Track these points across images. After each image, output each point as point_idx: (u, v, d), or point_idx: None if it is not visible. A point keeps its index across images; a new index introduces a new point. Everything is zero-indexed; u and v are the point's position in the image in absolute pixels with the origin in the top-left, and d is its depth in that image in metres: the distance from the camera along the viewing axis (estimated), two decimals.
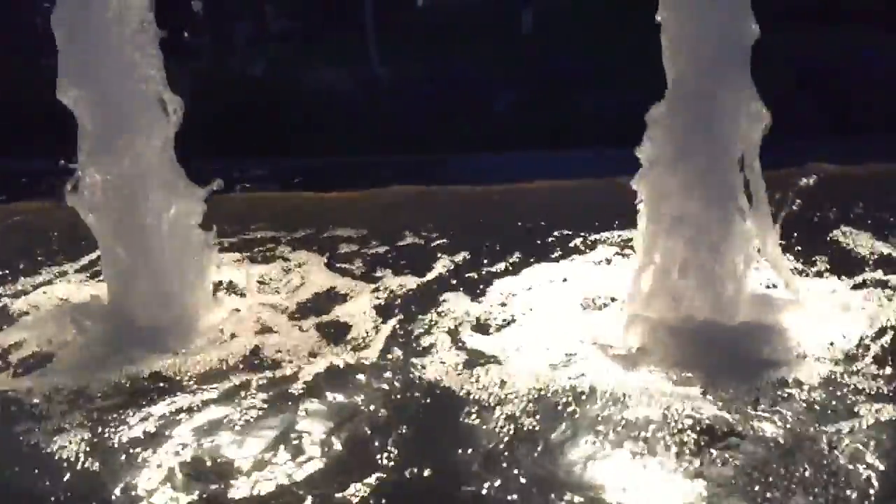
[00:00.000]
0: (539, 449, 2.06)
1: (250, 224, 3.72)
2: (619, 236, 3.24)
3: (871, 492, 1.82)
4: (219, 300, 2.92)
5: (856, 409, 2.12)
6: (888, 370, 2.30)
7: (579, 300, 2.83)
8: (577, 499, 1.88)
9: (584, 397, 2.25)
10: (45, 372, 2.55)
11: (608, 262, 3.13)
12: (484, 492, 1.92)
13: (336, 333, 2.72)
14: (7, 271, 3.31)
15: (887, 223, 3.27)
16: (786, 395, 2.21)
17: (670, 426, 2.10)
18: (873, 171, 3.91)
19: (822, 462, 1.93)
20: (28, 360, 2.65)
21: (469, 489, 1.93)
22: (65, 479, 2.04)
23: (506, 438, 2.10)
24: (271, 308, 2.92)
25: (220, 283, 3.07)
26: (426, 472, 1.99)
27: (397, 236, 3.50)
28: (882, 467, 1.89)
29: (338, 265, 3.27)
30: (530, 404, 2.23)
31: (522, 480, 1.95)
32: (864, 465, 1.90)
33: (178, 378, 2.48)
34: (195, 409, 2.31)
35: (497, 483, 1.94)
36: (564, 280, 3.00)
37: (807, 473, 1.89)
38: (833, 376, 2.28)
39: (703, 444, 2.03)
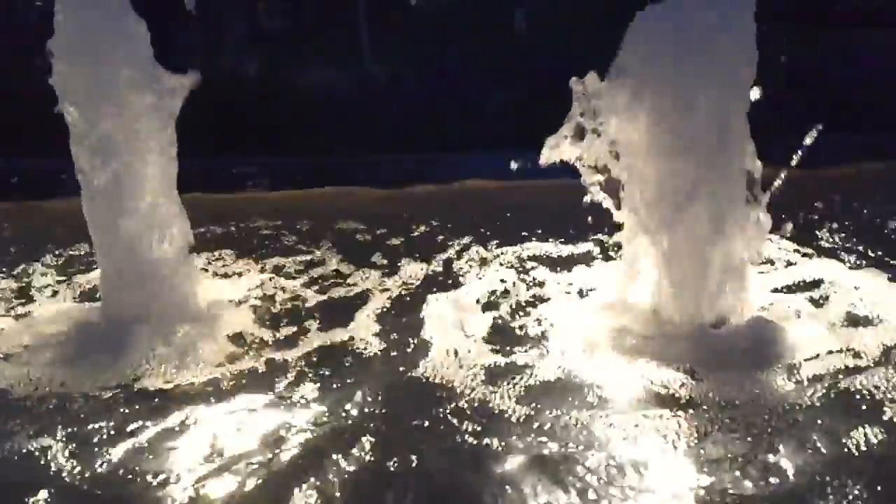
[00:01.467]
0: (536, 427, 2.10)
1: (251, 222, 3.75)
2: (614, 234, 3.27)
3: None
4: (220, 296, 2.93)
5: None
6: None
7: (576, 296, 2.87)
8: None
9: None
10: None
11: (603, 259, 3.16)
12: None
13: (336, 329, 2.74)
14: None
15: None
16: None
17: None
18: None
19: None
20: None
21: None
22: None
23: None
24: (271, 301, 2.95)
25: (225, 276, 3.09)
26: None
27: (393, 234, 3.52)
28: None
29: (336, 263, 3.29)
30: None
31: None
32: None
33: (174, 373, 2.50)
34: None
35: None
36: (563, 276, 3.03)
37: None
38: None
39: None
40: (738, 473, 1.90)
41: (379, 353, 2.56)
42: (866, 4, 5.88)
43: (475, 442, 2.08)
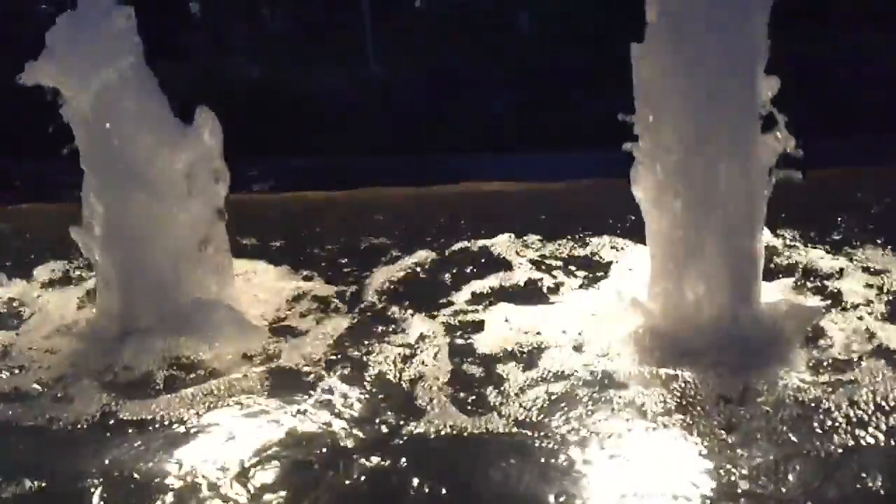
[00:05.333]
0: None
1: (257, 224, 3.75)
2: (616, 234, 3.28)
3: None
4: (238, 296, 2.94)
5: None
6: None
7: (580, 294, 2.87)
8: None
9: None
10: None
11: (604, 257, 3.17)
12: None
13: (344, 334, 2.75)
14: None
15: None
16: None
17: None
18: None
19: None
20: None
21: None
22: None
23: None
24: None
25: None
26: None
27: (395, 235, 3.53)
28: None
29: (338, 264, 3.29)
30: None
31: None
32: None
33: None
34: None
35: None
36: (568, 277, 3.03)
37: None
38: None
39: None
40: None
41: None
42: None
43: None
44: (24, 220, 4.02)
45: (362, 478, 1.98)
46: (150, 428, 2.23)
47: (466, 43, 6.40)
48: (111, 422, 2.28)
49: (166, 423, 2.24)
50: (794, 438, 2.01)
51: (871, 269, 2.90)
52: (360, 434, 2.15)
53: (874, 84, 5.37)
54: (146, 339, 2.60)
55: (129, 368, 2.53)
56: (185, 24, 6.87)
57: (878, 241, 3.10)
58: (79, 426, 2.27)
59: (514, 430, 2.13)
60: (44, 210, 4.08)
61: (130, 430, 2.22)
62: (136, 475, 2.04)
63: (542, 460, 2.00)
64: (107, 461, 2.09)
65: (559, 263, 3.16)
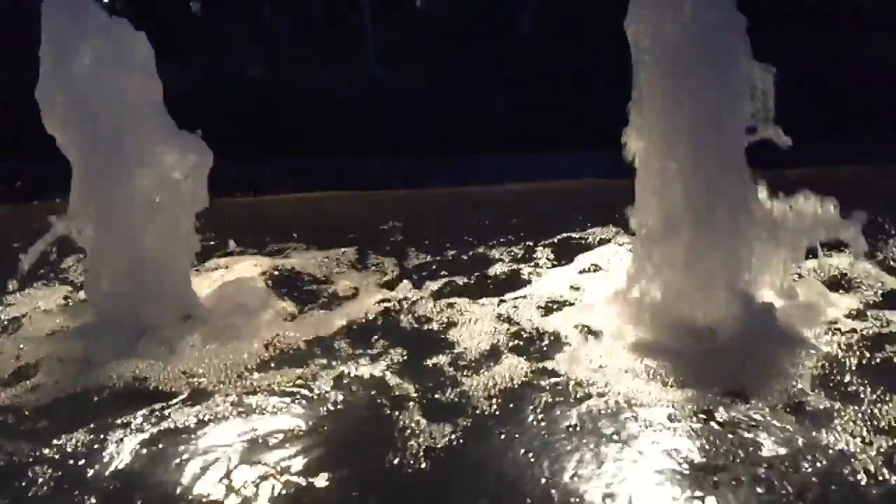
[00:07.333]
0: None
1: (257, 225, 3.77)
2: (615, 234, 3.29)
3: None
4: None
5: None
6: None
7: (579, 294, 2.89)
8: None
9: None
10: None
11: (603, 256, 3.18)
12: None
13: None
14: None
15: None
16: None
17: None
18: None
19: None
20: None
21: None
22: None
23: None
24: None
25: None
26: None
27: (397, 235, 3.54)
28: None
29: (340, 262, 3.30)
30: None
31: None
32: None
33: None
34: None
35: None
36: (566, 275, 3.05)
37: None
38: None
39: None
40: None
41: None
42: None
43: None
44: None
45: None
46: None
47: (468, 44, 6.40)
48: None
49: None
50: None
51: None
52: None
53: None
54: None
55: None
56: (185, 24, 6.87)
57: None
58: None
59: None
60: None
61: None
62: None
63: None
64: None
65: (555, 259, 3.19)
